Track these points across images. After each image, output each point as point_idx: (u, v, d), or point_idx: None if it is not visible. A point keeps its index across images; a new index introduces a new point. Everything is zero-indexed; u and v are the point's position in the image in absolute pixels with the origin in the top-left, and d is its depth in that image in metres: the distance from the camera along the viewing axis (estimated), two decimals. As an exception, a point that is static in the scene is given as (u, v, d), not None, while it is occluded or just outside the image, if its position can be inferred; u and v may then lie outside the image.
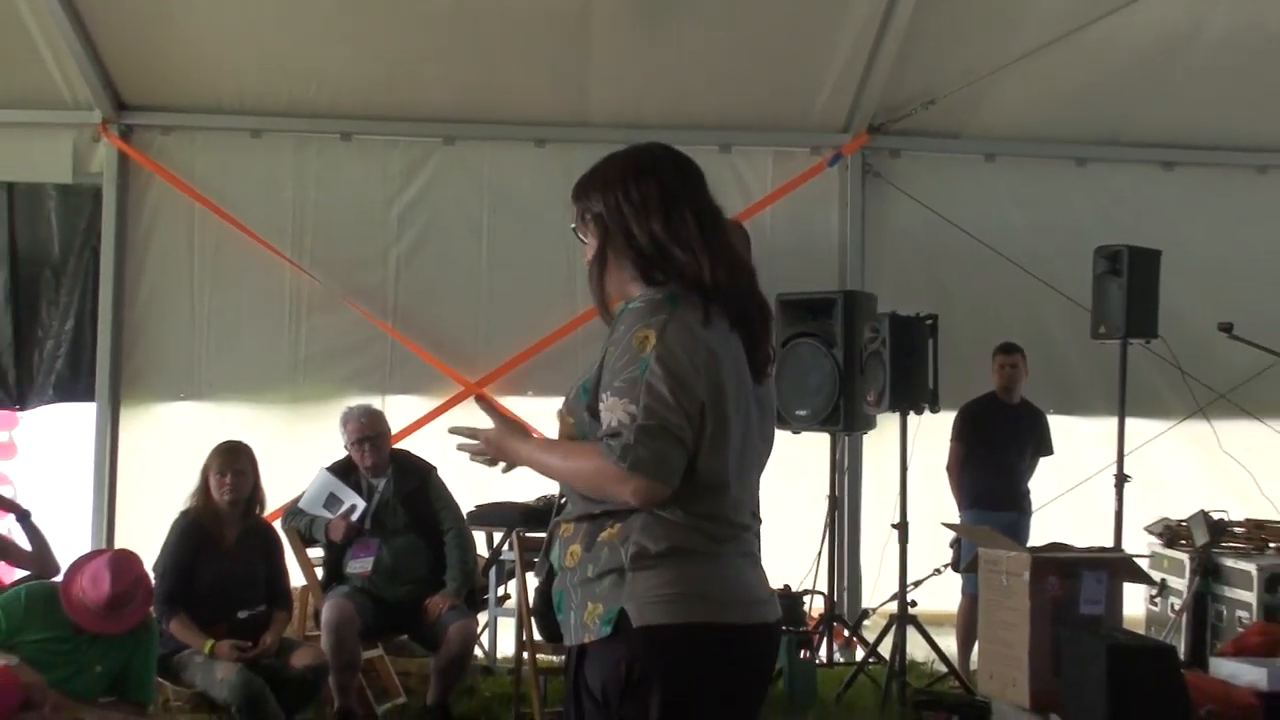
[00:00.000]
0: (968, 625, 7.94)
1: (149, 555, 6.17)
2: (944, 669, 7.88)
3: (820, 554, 8.42)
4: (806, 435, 8.54)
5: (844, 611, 8.79)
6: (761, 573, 2.93)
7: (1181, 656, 7.03)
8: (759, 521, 2.98)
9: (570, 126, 9.39)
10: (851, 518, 9.13)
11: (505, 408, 3.21)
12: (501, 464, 2.99)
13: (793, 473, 8.80)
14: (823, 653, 8.37)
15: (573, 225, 2.99)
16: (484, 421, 3.03)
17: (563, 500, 2.96)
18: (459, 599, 6.91)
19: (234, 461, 6.47)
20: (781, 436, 8.61)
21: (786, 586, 8.18)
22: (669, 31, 8.83)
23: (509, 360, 8.99)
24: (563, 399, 2.93)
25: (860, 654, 8.20)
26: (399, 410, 8.61)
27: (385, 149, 9.36)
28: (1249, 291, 9.03)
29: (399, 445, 7.67)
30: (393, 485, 7.18)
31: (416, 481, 7.23)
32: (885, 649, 7.82)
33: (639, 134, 9.20)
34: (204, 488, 6.47)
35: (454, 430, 3.07)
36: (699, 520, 2.75)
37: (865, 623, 8.51)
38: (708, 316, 2.78)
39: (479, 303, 9.17)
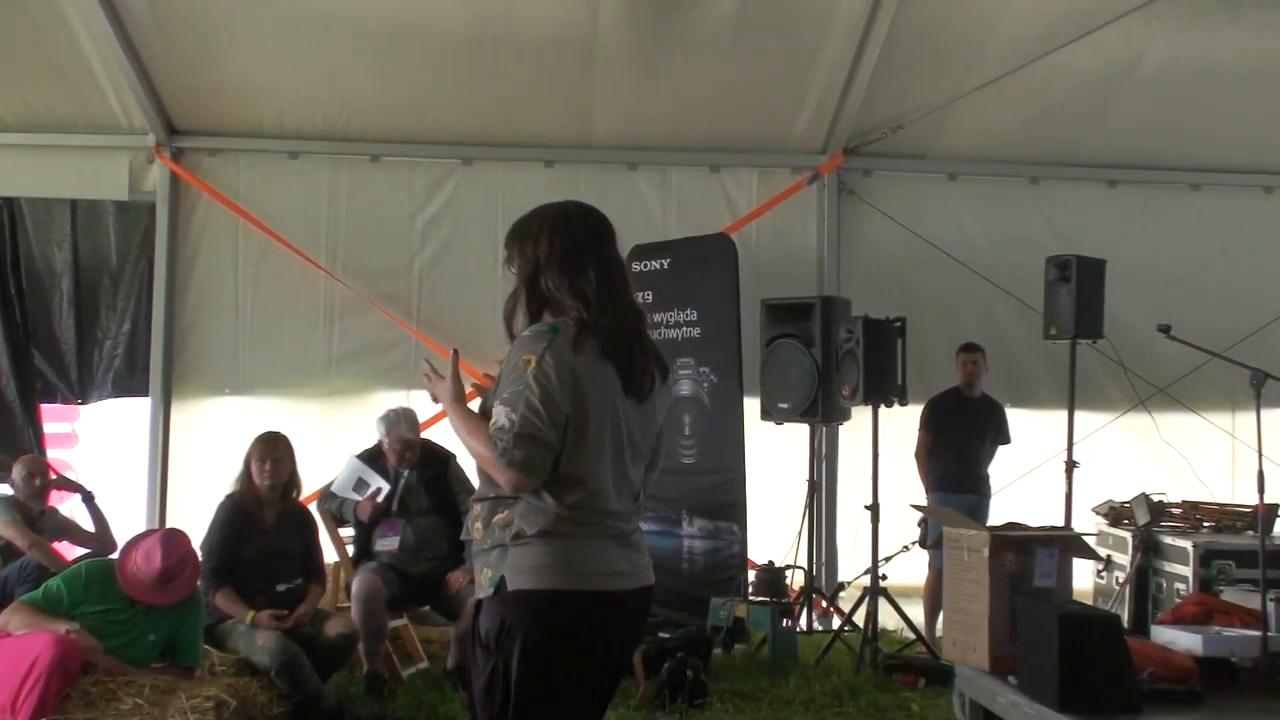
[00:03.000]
0: (934, 597, 7.93)
1: (197, 534, 6.15)
2: (912, 636, 7.86)
3: (801, 533, 8.39)
4: (788, 426, 8.51)
5: (822, 584, 8.76)
6: (632, 549, 3.23)
7: (1126, 624, 7.02)
8: (640, 507, 3.32)
9: (576, 149, 9.38)
10: (829, 500, 9.10)
11: (471, 369, 3.53)
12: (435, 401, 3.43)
13: (776, 460, 8.80)
14: (803, 621, 8.35)
15: (505, 262, 3.34)
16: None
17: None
18: (476, 574, 6.87)
19: (273, 450, 6.45)
20: (765, 427, 8.72)
21: (770, 562, 8.15)
22: (665, 64, 8.81)
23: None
24: None
25: (837, 623, 8.17)
26: (422, 404, 8.57)
27: (409, 169, 9.34)
28: (1184, 296, 9.00)
29: (423, 435, 7.64)
30: (417, 471, 7.17)
31: (438, 467, 7.22)
32: (860, 618, 7.80)
33: (637, 155, 9.35)
34: (246, 473, 6.45)
35: (428, 361, 3.56)
36: (567, 509, 3.09)
37: (841, 594, 8.48)
38: (579, 346, 3.12)
39: (494, 308, 9.05)
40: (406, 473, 7.17)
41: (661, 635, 7.28)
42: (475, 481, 3.36)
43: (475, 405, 3.38)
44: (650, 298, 8.56)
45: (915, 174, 9.66)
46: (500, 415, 3.08)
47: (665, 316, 8.61)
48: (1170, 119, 9.24)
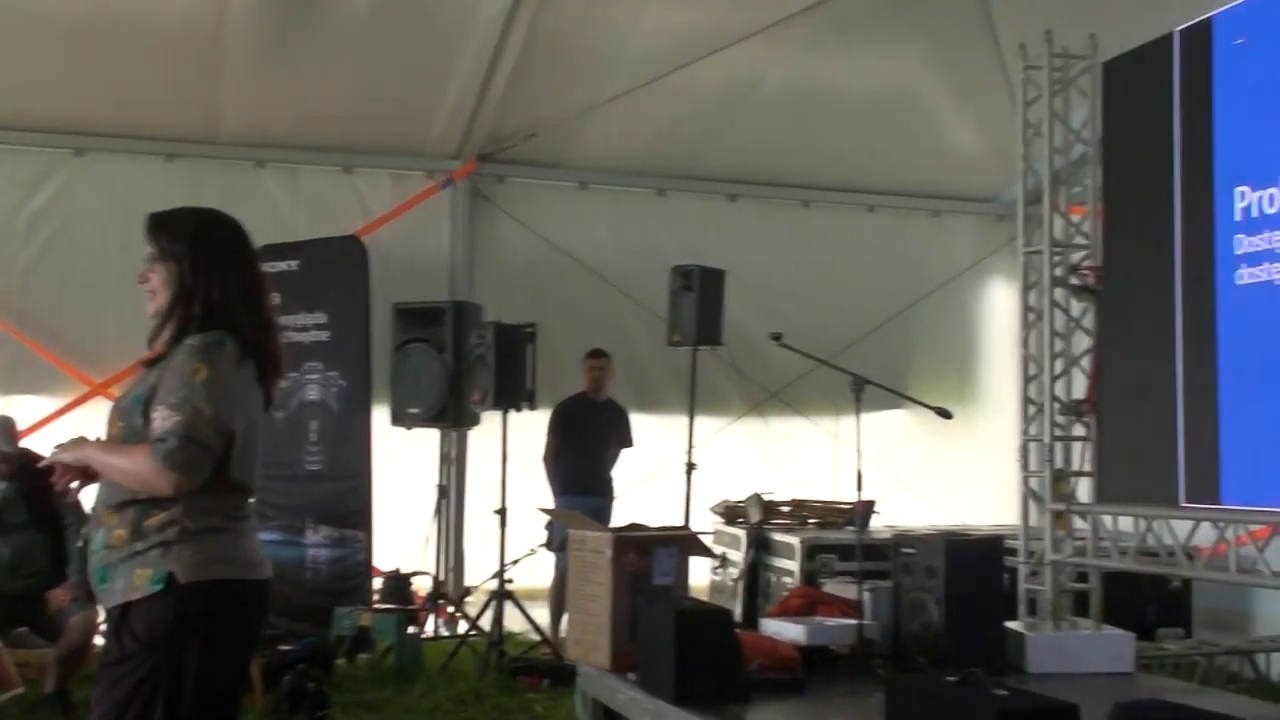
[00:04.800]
0: (559, 598, 8.05)
1: None
2: (538, 638, 7.96)
3: (429, 538, 8.35)
4: (418, 431, 8.47)
5: (449, 590, 8.75)
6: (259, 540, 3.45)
7: (738, 618, 7.35)
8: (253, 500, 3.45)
9: (200, 143, 9.01)
10: (458, 505, 9.10)
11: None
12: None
13: (405, 466, 8.73)
14: (430, 628, 8.32)
15: (150, 255, 3.27)
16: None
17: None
18: (80, 591, 6.48)
19: None
20: (395, 433, 8.61)
21: (397, 569, 8.08)
22: (298, 60, 8.58)
23: (136, 363, 8.48)
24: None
25: (464, 628, 8.18)
26: (23, 409, 8.00)
27: (13, 158, 8.70)
28: (796, 306, 9.51)
29: (22, 443, 7.14)
30: (15, 483, 6.70)
31: (38, 479, 6.74)
32: (486, 622, 7.84)
33: (266, 153, 9.05)
34: None
35: (58, 451, 3.41)
36: (227, 509, 3.21)
37: (468, 599, 8.50)
38: (242, 360, 3.21)
39: (109, 308, 8.53)
40: (3, 485, 6.69)
41: (282, 648, 7.08)
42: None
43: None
44: (278, 300, 8.31)
45: (548, 182, 9.80)
46: (165, 419, 3.10)
47: (293, 319, 8.39)
48: (786, 139, 9.73)
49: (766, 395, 9.51)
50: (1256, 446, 5.98)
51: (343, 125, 9.12)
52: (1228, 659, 7.66)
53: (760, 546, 8.09)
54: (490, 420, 8.22)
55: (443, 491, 8.53)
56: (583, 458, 8.50)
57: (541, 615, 8.22)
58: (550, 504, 8.33)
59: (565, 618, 7.20)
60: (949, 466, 10.14)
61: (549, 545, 8.21)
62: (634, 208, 9.96)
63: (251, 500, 3.36)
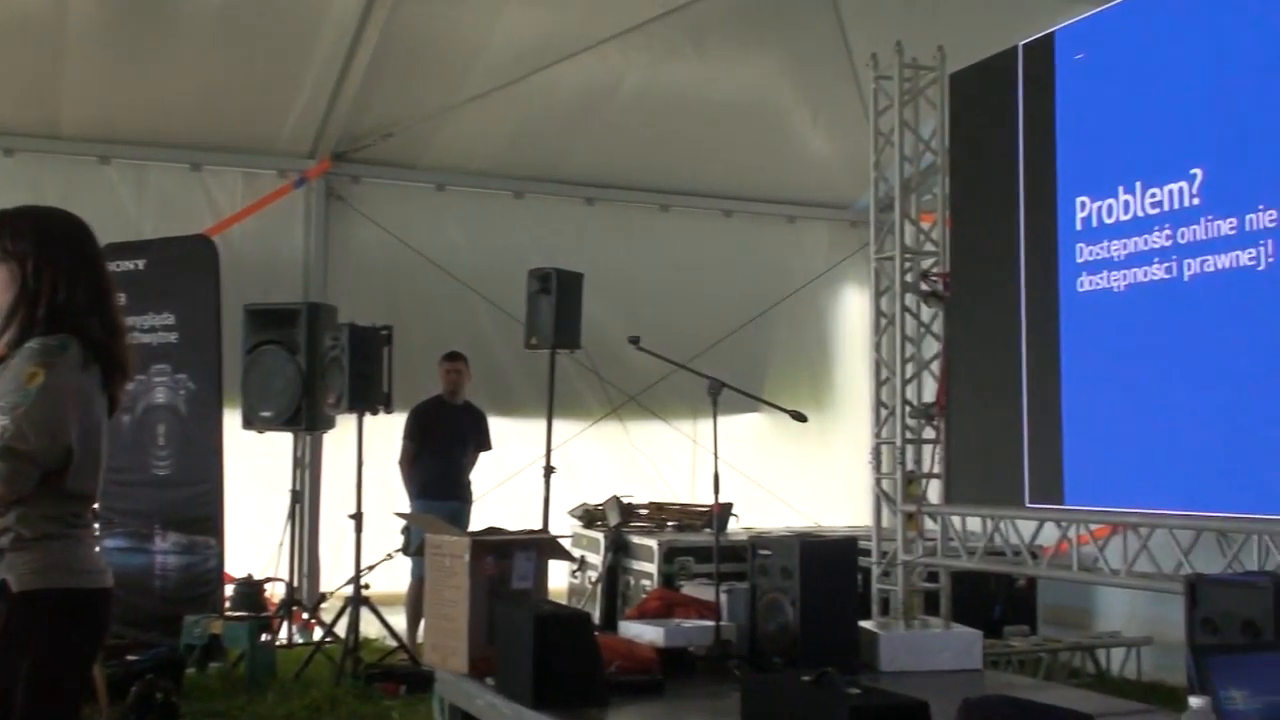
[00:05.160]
0: (416, 604, 7.98)
1: None
2: (395, 644, 7.89)
3: (282, 544, 8.21)
4: (270, 435, 8.32)
5: (304, 596, 8.62)
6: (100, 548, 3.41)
7: (597, 621, 7.37)
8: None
9: (41, 138, 8.73)
10: (312, 510, 8.96)
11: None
12: None
13: (258, 470, 8.57)
14: (283, 635, 8.18)
15: None
16: None
17: None
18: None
19: None
20: (247, 437, 8.44)
21: (249, 576, 7.92)
22: (145, 53, 8.37)
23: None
24: None
25: (319, 634, 8.06)
26: None
27: None
28: (655, 309, 9.57)
29: None
30: None
31: None
32: (341, 629, 7.74)
33: (111, 149, 8.81)
34: None
35: None
36: (66, 516, 3.10)
37: (323, 605, 8.37)
38: (86, 364, 3.10)
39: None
40: None
41: (130, 658, 6.90)
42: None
43: None
44: (123, 300, 8.09)
45: (404, 183, 9.72)
46: None
47: (140, 321, 8.17)
48: (644, 143, 9.80)
49: (625, 399, 9.56)
50: (1096, 449, 6.20)
51: (191, 121, 8.91)
52: (1070, 655, 7.93)
53: (619, 549, 8.13)
54: (345, 424, 8.12)
55: (296, 496, 8.39)
56: (440, 461, 8.45)
57: (398, 621, 8.13)
58: (407, 508, 8.26)
59: (422, 623, 7.16)
60: (804, 469, 10.30)
61: (406, 550, 8.11)
62: (491, 209, 9.92)
63: (95, 507, 3.27)
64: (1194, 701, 2.64)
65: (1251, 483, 5.41)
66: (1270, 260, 5.33)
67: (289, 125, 9.15)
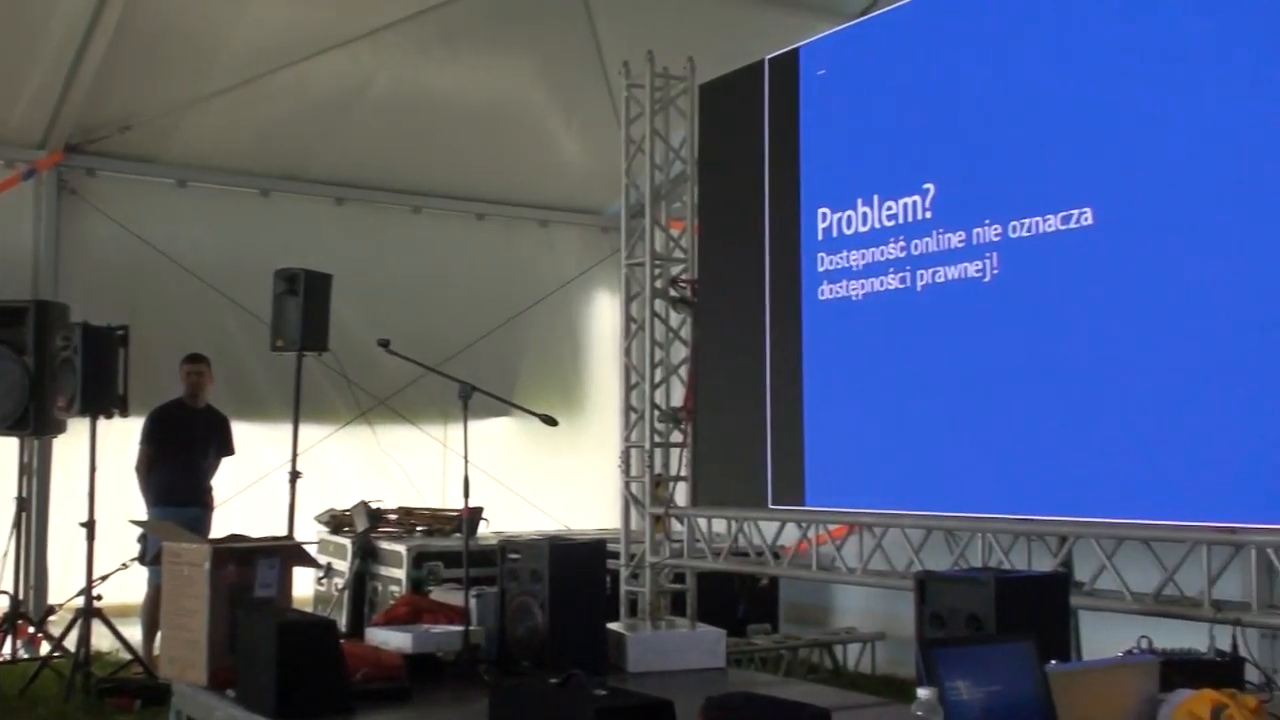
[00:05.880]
0: (152, 615, 7.69)
1: None
2: (129, 657, 7.59)
3: (7, 554, 7.80)
4: (-5, 439, 7.90)
5: (30, 609, 8.19)
6: None
7: (344, 628, 7.26)
8: None
9: None
10: (39, 518, 8.53)
11: None
12: None
13: (-22, 477, 8.13)
14: (7, 650, 7.76)
15: None
16: None
17: None
18: None
19: None
20: (-32, 442, 7.94)
21: (-33, 588, 7.50)
22: None
23: None
24: None
25: (46, 649, 7.68)
26: None
27: None
28: (405, 312, 9.43)
29: None
30: None
31: None
32: (71, 642, 7.40)
33: None
34: None
35: None
36: None
37: (52, 618, 7.98)
38: None
39: None
40: None
41: None
42: None
43: None
44: None
45: (144, 178, 9.34)
46: None
47: None
48: (395, 144, 9.69)
49: (374, 402, 9.43)
50: (836, 452, 6.45)
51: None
52: (809, 651, 8.21)
53: (367, 555, 8.04)
54: (78, 427, 7.76)
55: (22, 504, 7.97)
56: (179, 466, 8.16)
57: (134, 633, 7.82)
58: (144, 515, 7.95)
59: (159, 635, 6.92)
60: (555, 473, 10.35)
61: (142, 559, 7.82)
62: (236, 207, 9.64)
63: None
64: (921, 693, 2.77)
65: (976, 484, 5.72)
66: (995, 272, 5.64)
67: (17, 114, 8.68)
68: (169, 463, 8.16)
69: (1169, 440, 4.97)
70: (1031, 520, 5.48)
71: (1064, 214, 5.36)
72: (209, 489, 8.36)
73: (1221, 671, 3.85)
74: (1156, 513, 5.00)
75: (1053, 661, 3.19)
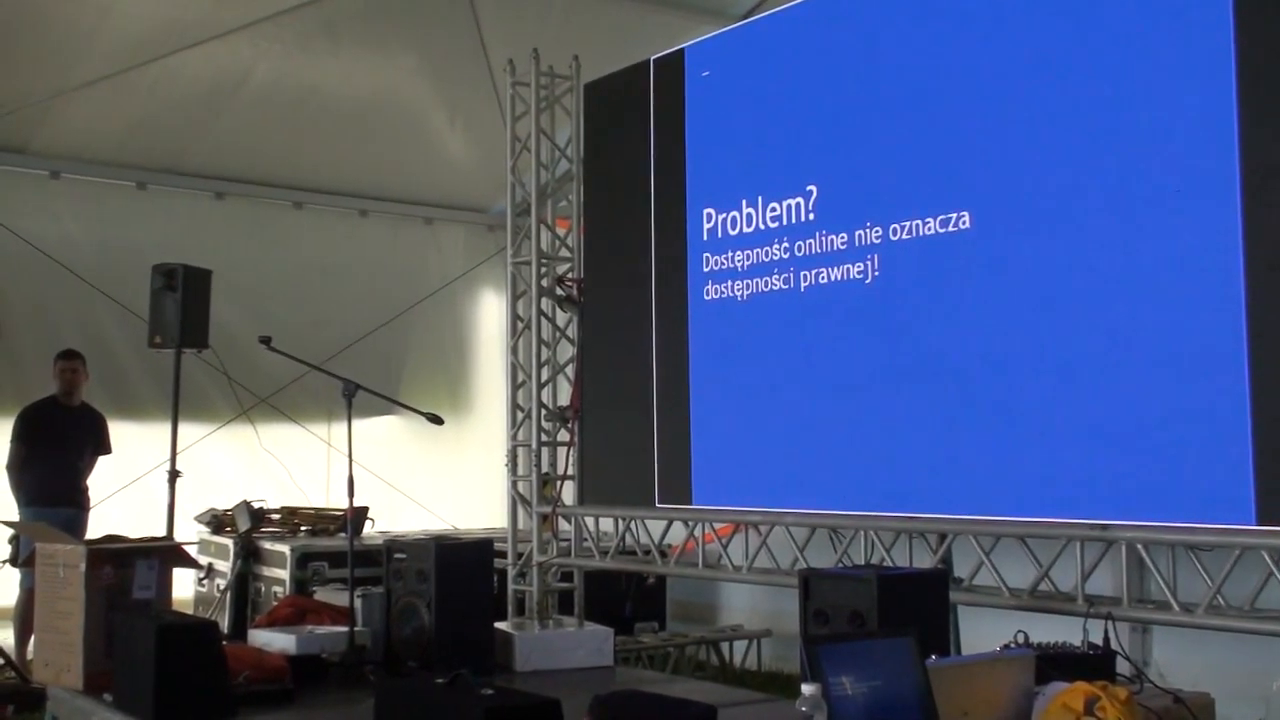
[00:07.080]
0: (25, 618, 7.51)
1: None
2: (1, 661, 7.39)
3: None
4: None
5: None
6: None
7: (226, 630, 7.16)
8: None
9: None
10: (-97, 520, 8.28)
11: None
12: None
13: None
14: None
15: None
16: None
17: None
18: None
19: None
20: None
21: None
22: None
23: None
24: None
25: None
26: None
27: None
28: (289, 309, 9.35)
29: None
30: None
31: None
32: (-62, 648, 7.19)
33: None
34: None
35: None
36: None
37: (-83, 623, 7.76)
38: None
39: None
40: None
41: None
42: None
43: None
44: None
45: (12, 168, 9.08)
46: None
47: None
48: (276, 138, 9.54)
49: (256, 400, 9.29)
50: (722, 451, 6.51)
51: None
52: (696, 648, 8.28)
53: (249, 556, 7.93)
54: (-56, 427, 7.55)
55: (-117, 506, 7.73)
56: (53, 466, 7.97)
57: (5, 636, 7.63)
58: (15, 516, 7.76)
59: (33, 638, 6.75)
60: (441, 472, 10.30)
61: (14, 561, 7.62)
62: (111, 201, 9.43)
63: None
64: (806, 689, 2.82)
65: (859, 482, 5.82)
66: (876, 274, 5.74)
67: (-125, 101, 8.41)
68: (42, 462, 7.97)
69: (1044, 439, 5.10)
70: (912, 518, 5.59)
71: (942, 217, 5.48)
72: (84, 489, 8.18)
73: (1094, 664, 3.96)
74: (1032, 510, 5.13)
75: (933, 656, 3.27)
